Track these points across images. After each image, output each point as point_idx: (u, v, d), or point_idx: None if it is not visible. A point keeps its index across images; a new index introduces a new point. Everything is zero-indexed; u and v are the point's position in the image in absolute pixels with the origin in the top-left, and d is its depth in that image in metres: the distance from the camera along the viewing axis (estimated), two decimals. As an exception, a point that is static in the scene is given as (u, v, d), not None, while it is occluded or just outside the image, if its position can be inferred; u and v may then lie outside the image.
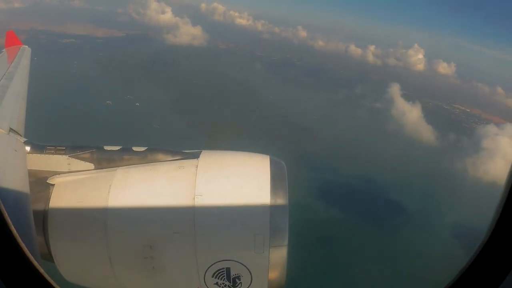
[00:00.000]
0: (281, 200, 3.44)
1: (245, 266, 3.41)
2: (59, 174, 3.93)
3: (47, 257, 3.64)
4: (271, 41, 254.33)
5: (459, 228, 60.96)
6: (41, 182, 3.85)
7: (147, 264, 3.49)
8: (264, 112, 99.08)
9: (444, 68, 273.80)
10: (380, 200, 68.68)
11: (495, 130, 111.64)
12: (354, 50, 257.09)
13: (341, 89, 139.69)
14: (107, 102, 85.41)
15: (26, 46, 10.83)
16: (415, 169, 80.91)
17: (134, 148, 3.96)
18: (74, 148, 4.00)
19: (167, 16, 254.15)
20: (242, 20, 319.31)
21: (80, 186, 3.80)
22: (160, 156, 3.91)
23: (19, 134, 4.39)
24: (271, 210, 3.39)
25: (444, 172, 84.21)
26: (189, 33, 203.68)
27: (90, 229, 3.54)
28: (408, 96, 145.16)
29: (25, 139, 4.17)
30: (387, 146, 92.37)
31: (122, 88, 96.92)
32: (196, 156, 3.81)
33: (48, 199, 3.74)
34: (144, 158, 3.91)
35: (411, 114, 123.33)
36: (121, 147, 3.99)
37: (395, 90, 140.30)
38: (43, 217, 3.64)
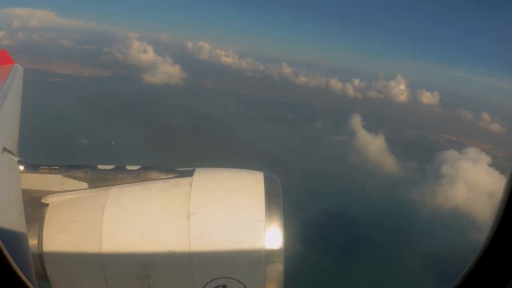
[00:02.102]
0: (276, 216, 3.43)
1: (241, 283, 3.39)
2: (53, 193, 3.89)
3: (43, 276, 3.61)
4: (256, 79, 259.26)
5: (430, 259, 61.64)
6: (35, 202, 3.80)
7: (143, 284, 3.46)
8: (241, 149, 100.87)
9: (427, 97, 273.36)
10: (348, 233, 69.20)
11: (455, 156, 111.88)
12: (336, 84, 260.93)
13: (319, 124, 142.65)
14: (83, 141, 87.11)
15: (19, 65, 10.73)
16: (383, 201, 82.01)
17: (128, 167, 3.95)
18: (67, 167, 3.99)
19: (149, 55, 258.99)
20: (228, 59, 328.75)
21: (74, 205, 3.77)
22: (154, 174, 3.88)
23: (12, 154, 4.34)
24: (266, 226, 3.38)
25: (411, 202, 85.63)
26: (166, 72, 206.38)
27: (85, 248, 3.52)
28: (391, 128, 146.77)
29: (19, 159, 4.16)
30: (355, 178, 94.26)
31: (99, 127, 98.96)
32: (190, 174, 3.81)
33: (42, 219, 3.69)
34: (138, 177, 3.89)
35: (373, 145, 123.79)
36: (114, 166, 3.98)
37: (356, 121, 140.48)
38: (38, 237, 3.60)
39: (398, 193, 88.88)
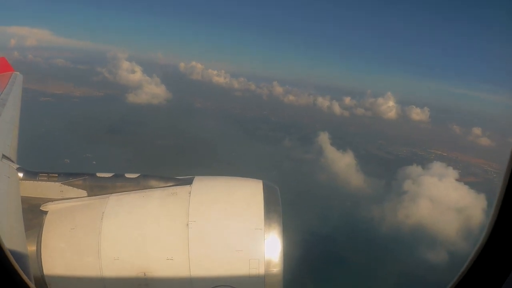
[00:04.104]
0: (275, 224, 3.49)
1: None
2: (52, 201, 3.90)
3: (41, 284, 3.59)
4: (247, 98, 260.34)
5: (406, 278, 62.17)
6: (34, 209, 3.80)
7: None
8: (223, 170, 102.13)
9: (417, 114, 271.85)
10: (323, 252, 69.33)
11: (418, 171, 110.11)
12: (323, 102, 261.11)
13: (301, 142, 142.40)
14: (66, 160, 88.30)
15: (18, 73, 10.75)
16: (353, 219, 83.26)
17: (127, 175, 3.99)
18: (66, 175, 4.01)
19: (137, 75, 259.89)
20: (220, 78, 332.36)
21: (73, 213, 3.77)
22: (153, 182, 3.91)
23: (11, 161, 4.32)
24: (265, 234, 3.43)
25: (376, 220, 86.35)
26: (150, 92, 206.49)
27: (84, 256, 3.52)
28: (381, 146, 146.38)
29: (18, 166, 4.15)
30: (330, 196, 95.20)
31: (84, 147, 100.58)
32: (189, 182, 3.85)
33: (41, 226, 3.69)
34: (137, 185, 3.91)
35: (342, 162, 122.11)
36: (113, 174, 4.01)
37: (323, 138, 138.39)
38: (37, 244, 3.60)
39: (370, 211, 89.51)
